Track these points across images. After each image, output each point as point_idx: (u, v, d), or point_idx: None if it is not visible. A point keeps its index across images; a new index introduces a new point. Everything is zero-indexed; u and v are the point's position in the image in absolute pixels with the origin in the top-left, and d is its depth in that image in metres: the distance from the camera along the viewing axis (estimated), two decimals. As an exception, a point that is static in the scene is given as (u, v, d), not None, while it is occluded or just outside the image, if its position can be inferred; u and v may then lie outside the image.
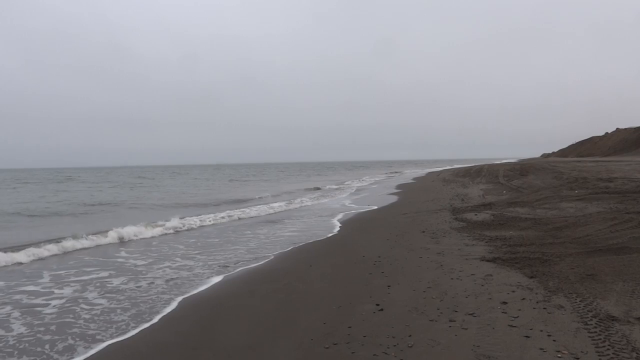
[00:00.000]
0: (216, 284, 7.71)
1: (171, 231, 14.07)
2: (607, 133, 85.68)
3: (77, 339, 5.39)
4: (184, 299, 6.87)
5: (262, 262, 9.21)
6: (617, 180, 18.35)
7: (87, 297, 7.08)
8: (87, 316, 6.20)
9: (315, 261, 8.94)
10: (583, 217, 10.85)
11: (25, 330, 5.75)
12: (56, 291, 7.49)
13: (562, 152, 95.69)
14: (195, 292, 7.23)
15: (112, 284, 7.87)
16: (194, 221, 15.67)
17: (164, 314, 6.20)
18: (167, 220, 15.14)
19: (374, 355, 4.34)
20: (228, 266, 8.96)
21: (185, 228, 14.67)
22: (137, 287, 7.63)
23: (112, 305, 6.63)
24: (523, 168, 32.12)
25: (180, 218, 15.79)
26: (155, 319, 5.98)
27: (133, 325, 5.79)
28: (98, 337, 5.43)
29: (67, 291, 7.48)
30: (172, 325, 5.76)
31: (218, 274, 8.35)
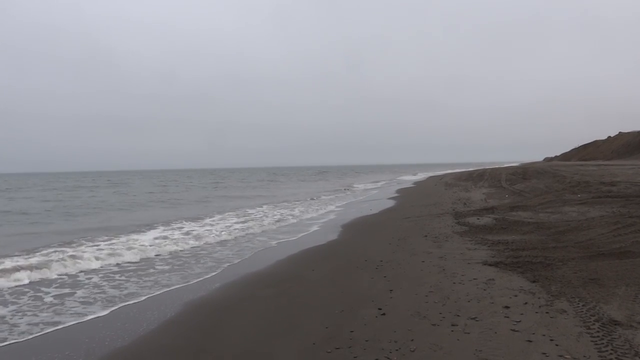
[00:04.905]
0: (217, 288, 7.71)
1: None
2: (609, 137, 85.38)
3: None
4: (185, 302, 6.88)
5: (263, 267, 9.21)
6: (619, 184, 18.30)
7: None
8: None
9: (317, 265, 8.93)
10: (586, 221, 10.83)
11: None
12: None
13: (565, 156, 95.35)
14: (196, 296, 7.24)
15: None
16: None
17: (166, 317, 6.21)
18: None
19: (376, 359, 4.34)
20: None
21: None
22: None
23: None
24: (525, 172, 32.03)
25: None
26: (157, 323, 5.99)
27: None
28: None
29: None
30: (174, 329, 5.77)
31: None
